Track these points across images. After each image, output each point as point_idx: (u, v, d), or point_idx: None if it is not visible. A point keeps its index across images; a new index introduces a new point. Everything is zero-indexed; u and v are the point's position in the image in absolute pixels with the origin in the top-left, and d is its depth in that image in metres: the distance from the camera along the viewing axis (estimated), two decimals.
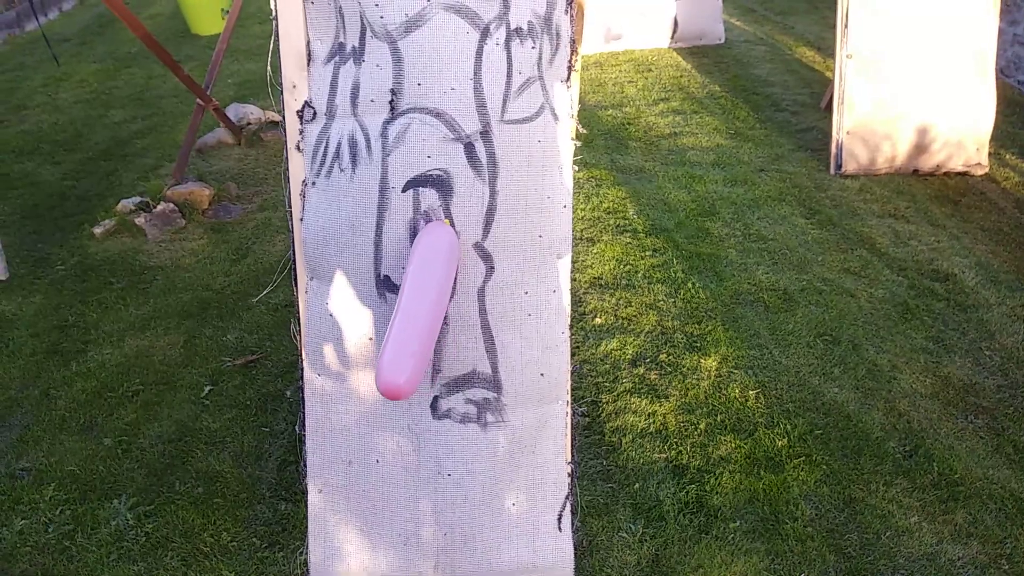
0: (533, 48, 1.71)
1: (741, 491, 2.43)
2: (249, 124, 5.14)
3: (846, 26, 4.45)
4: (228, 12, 7.77)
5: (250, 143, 5.03)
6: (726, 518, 2.34)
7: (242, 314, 3.35)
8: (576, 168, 4.49)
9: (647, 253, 3.70)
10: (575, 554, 2.04)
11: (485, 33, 1.67)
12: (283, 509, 2.39)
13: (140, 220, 4.04)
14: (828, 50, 6.28)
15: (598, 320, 3.22)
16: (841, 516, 2.35)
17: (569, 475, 1.97)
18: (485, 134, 1.70)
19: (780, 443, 2.60)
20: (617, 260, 3.64)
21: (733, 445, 2.60)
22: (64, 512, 2.42)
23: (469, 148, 1.71)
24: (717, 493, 2.42)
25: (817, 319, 3.22)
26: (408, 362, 1.42)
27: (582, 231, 3.90)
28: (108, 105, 6.02)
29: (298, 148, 1.80)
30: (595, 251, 3.71)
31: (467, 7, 1.66)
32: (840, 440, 2.62)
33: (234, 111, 5.20)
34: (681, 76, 6.18)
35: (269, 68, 1.82)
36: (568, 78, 1.79)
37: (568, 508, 1.97)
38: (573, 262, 3.61)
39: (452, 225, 1.73)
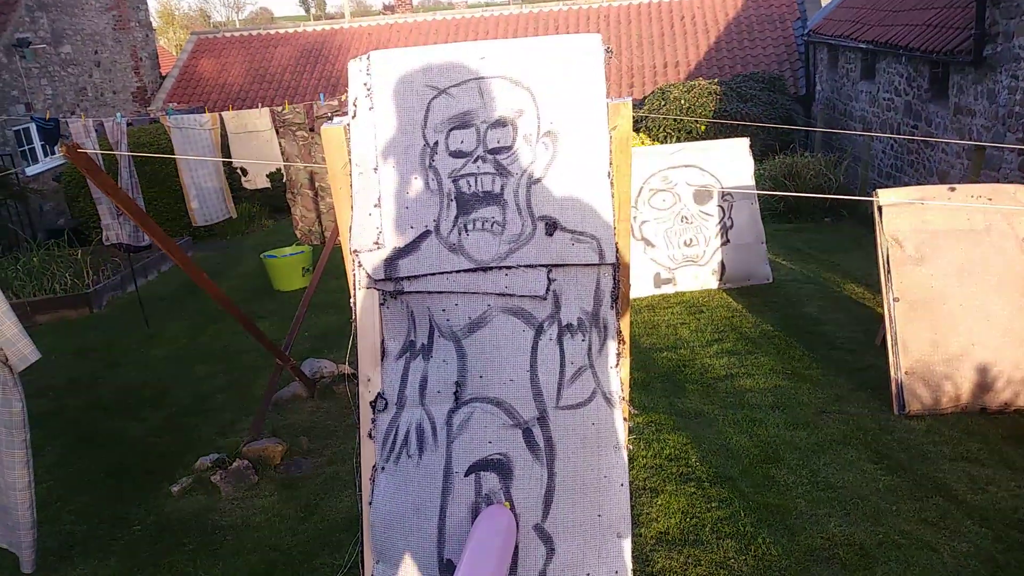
0: (583, 341, 1.88)
1: None
2: (323, 378, 5.44)
3: (888, 272, 4.64)
4: (309, 271, 8.52)
5: (323, 396, 5.30)
6: None
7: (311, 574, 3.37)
8: (636, 412, 4.55)
9: (713, 504, 3.65)
10: None
11: (539, 331, 1.86)
12: None
13: (216, 478, 4.21)
14: (876, 286, 6.44)
15: None
16: None
17: None
18: (542, 420, 1.83)
19: None
20: (683, 513, 3.59)
21: None
22: None
23: (527, 433, 1.83)
24: None
25: None
26: None
27: (645, 480, 3.89)
28: (194, 361, 6.48)
29: (370, 436, 1.95)
30: (659, 503, 3.68)
31: (523, 309, 1.86)
32: None
33: (309, 366, 5.54)
34: (733, 316, 6.38)
35: (347, 364, 2.02)
36: (617, 364, 1.94)
37: None
38: (637, 515, 3.58)
39: (512, 507, 1.81)
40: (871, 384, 4.86)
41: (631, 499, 3.48)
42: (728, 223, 7.31)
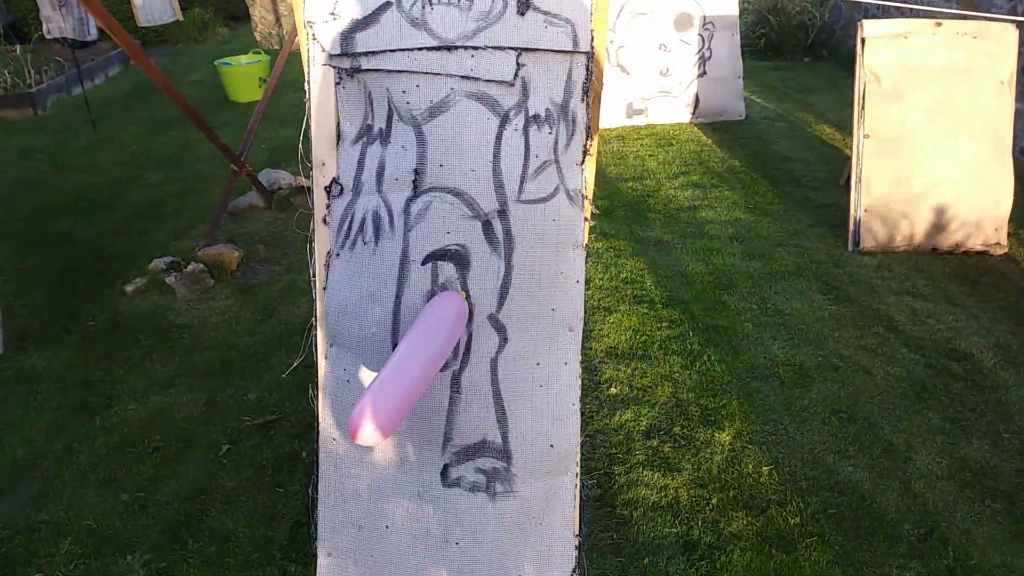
0: (550, 134, 1.80)
1: (752, 570, 2.41)
2: (280, 189, 5.31)
3: (863, 107, 4.56)
4: (266, 81, 8.11)
5: (280, 207, 5.19)
6: None
7: (264, 374, 3.42)
8: (595, 237, 4.56)
9: (663, 324, 3.74)
10: None
11: (505, 119, 1.77)
12: (293, 571, 2.41)
13: (171, 279, 4.17)
14: (847, 127, 6.39)
15: (613, 390, 3.25)
16: None
17: (577, 548, 1.98)
18: (502, 213, 1.79)
19: (793, 521, 2.59)
20: (633, 330, 3.69)
21: (745, 522, 2.59)
22: (79, 566, 2.46)
23: (487, 226, 1.79)
24: (728, 571, 2.41)
25: (833, 396, 3.23)
26: (380, 413, 1.46)
27: (600, 300, 3.96)
28: (145, 167, 6.26)
29: (324, 221, 1.89)
30: (612, 320, 3.76)
31: (488, 95, 1.76)
32: (854, 520, 2.60)
33: (266, 176, 5.39)
34: (702, 151, 6.31)
35: (301, 146, 1.93)
36: (583, 161, 1.87)
37: None
38: (590, 331, 3.66)
39: (468, 297, 1.80)
40: (830, 221, 4.92)
41: (585, 316, 3.53)
42: (707, 54, 7.06)
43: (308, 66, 1.84)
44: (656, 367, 3.41)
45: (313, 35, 1.79)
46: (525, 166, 1.79)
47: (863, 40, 4.55)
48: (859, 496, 2.70)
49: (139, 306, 4.05)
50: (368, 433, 1.47)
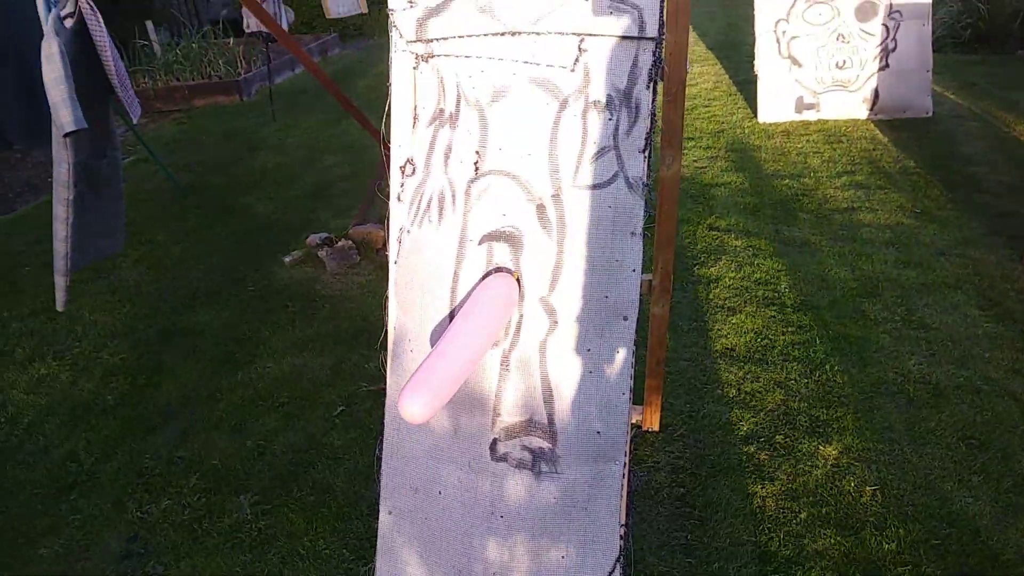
0: (610, 120, 1.80)
1: None
2: None
3: None
4: None
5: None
6: None
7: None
8: (734, 235, 4.42)
9: (789, 329, 3.56)
10: None
11: (563, 105, 1.79)
12: (375, 528, 2.57)
13: (322, 253, 4.54)
14: None
15: (718, 391, 3.16)
16: None
17: (622, 537, 1.97)
18: (556, 197, 1.82)
19: (887, 547, 2.40)
20: (755, 333, 3.54)
21: (833, 541, 2.43)
22: (200, 499, 2.78)
23: (540, 209, 1.83)
24: None
25: (967, 420, 2.93)
26: (426, 394, 1.55)
27: (725, 300, 3.83)
28: (325, 151, 6.81)
29: (399, 198, 2.02)
30: (733, 321, 3.63)
31: (549, 80, 1.79)
32: (959, 555, 2.37)
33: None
34: (874, 149, 5.87)
35: (383, 127, 2.06)
36: (646, 149, 1.85)
37: (618, 570, 1.97)
38: (707, 330, 3.57)
39: (519, 278, 1.85)
40: (1008, 231, 4.42)
41: (706, 315, 3.46)
42: (891, 45, 6.53)
43: (391, 51, 1.96)
44: (770, 372, 3.26)
45: (393, 23, 1.91)
46: (582, 151, 1.81)
47: None
48: (972, 530, 2.45)
49: (293, 276, 4.44)
50: (413, 411, 1.57)
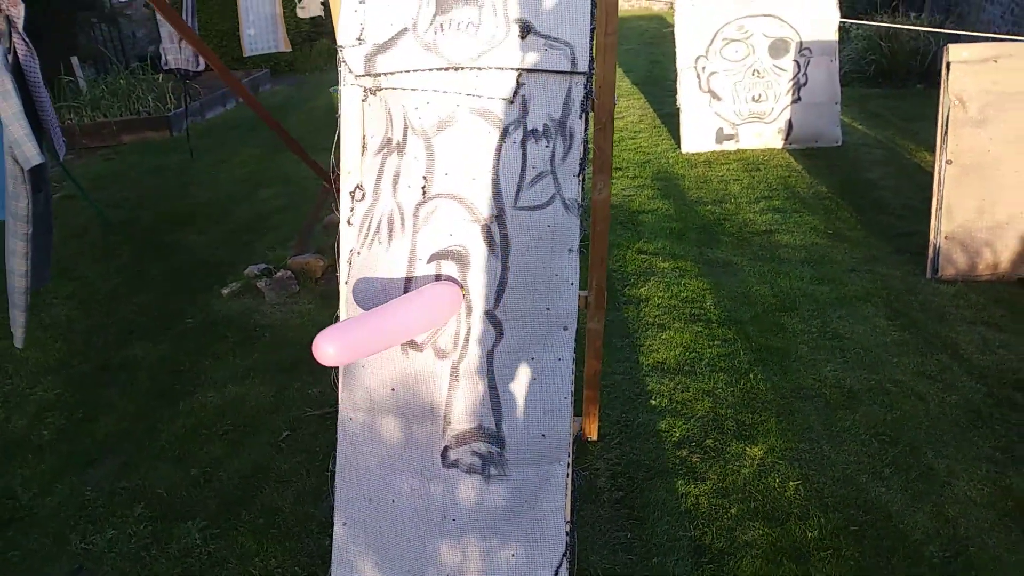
0: (547, 147, 1.97)
1: None
2: None
3: (945, 132, 4.44)
4: None
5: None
6: None
7: (329, 371, 3.70)
8: (661, 258, 4.64)
9: (715, 342, 3.78)
10: None
11: (504, 133, 1.95)
12: (326, 545, 2.64)
13: (261, 284, 4.57)
14: None
15: (652, 402, 3.33)
16: None
17: (567, 534, 2.10)
18: (499, 218, 1.96)
19: (810, 535, 2.59)
20: (684, 347, 3.75)
21: (761, 532, 2.61)
22: (147, 527, 2.79)
23: (485, 229, 1.97)
24: (734, 575, 2.45)
25: (878, 419, 3.18)
26: (343, 339, 1.67)
27: (656, 317, 4.03)
28: (259, 184, 6.82)
29: (348, 222, 2.13)
30: (663, 337, 3.83)
31: (490, 111, 1.95)
32: (875, 539, 2.57)
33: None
34: (789, 176, 6.25)
35: (332, 156, 2.17)
36: (580, 173, 2.02)
37: (565, 566, 2.09)
38: (639, 346, 3.75)
39: (467, 293, 1.98)
40: (912, 249, 4.78)
41: (638, 332, 3.64)
42: (802, 80, 6.98)
43: (340, 85, 2.09)
44: (700, 383, 3.46)
45: (343, 58, 2.04)
46: (522, 176, 1.96)
47: (948, 64, 4.43)
48: (886, 516, 2.66)
49: (232, 307, 4.46)
50: (326, 353, 1.69)
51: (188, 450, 3.20)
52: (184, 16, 6.54)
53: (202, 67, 6.96)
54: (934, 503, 2.73)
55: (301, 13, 7.78)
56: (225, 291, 4.59)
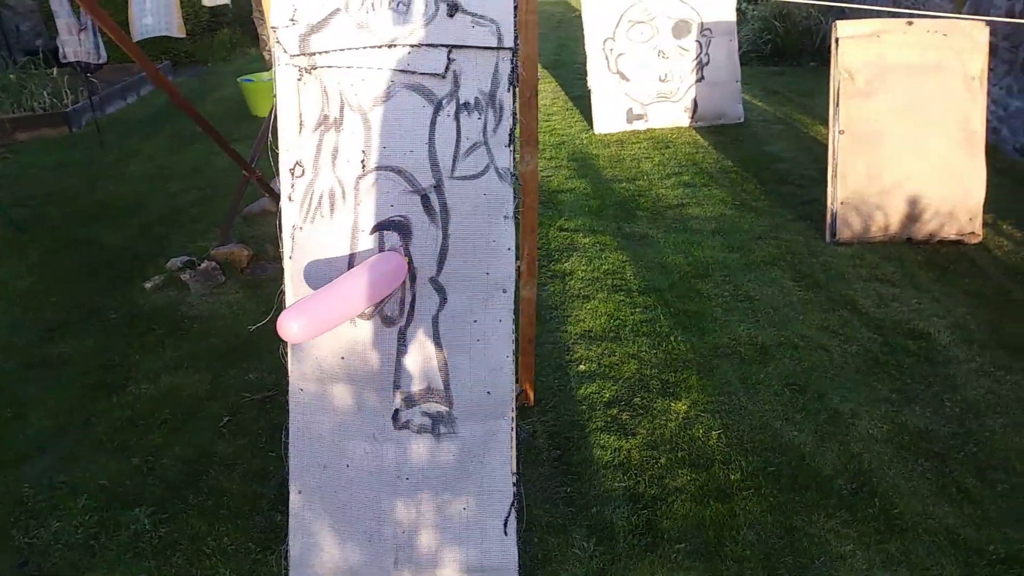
0: (479, 119, 2.08)
1: (690, 517, 2.64)
2: None
3: (837, 104, 4.77)
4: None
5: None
6: (672, 540, 2.55)
7: (265, 357, 3.73)
8: (582, 234, 4.81)
9: (637, 310, 3.99)
10: (526, 563, 2.28)
11: (438, 107, 2.05)
12: (278, 520, 2.70)
13: (185, 276, 4.52)
14: None
15: (582, 367, 3.50)
16: (781, 542, 2.54)
17: (514, 484, 2.24)
18: (438, 188, 2.07)
19: (733, 477, 2.82)
20: (608, 316, 3.94)
21: (689, 478, 2.82)
22: (92, 518, 2.78)
23: (425, 199, 2.07)
24: (667, 518, 2.64)
25: (788, 371, 3.44)
26: (305, 316, 1.77)
27: (580, 289, 4.21)
28: (169, 178, 6.67)
29: (289, 198, 2.19)
30: (588, 307, 4.01)
31: (423, 86, 2.05)
32: (790, 477, 2.82)
33: (278, 183, 5.74)
34: (697, 153, 6.54)
35: (269, 135, 2.23)
36: (510, 143, 2.15)
37: (513, 514, 2.23)
38: (566, 317, 3.92)
39: (410, 262, 2.08)
40: (812, 216, 5.11)
41: (564, 304, 3.79)
42: (705, 59, 7.30)
43: (274, 65, 2.14)
44: (625, 347, 3.65)
45: (277, 39, 2.10)
46: (457, 147, 2.07)
47: (837, 40, 4.76)
48: (799, 456, 2.91)
49: (156, 301, 4.40)
50: (292, 331, 1.78)
51: (127, 441, 3.18)
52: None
53: (103, 59, 6.74)
54: (840, 442, 2.99)
55: (207, 1, 7.59)
56: (148, 285, 4.51)
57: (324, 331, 1.86)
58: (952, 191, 4.68)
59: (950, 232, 4.71)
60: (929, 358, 3.51)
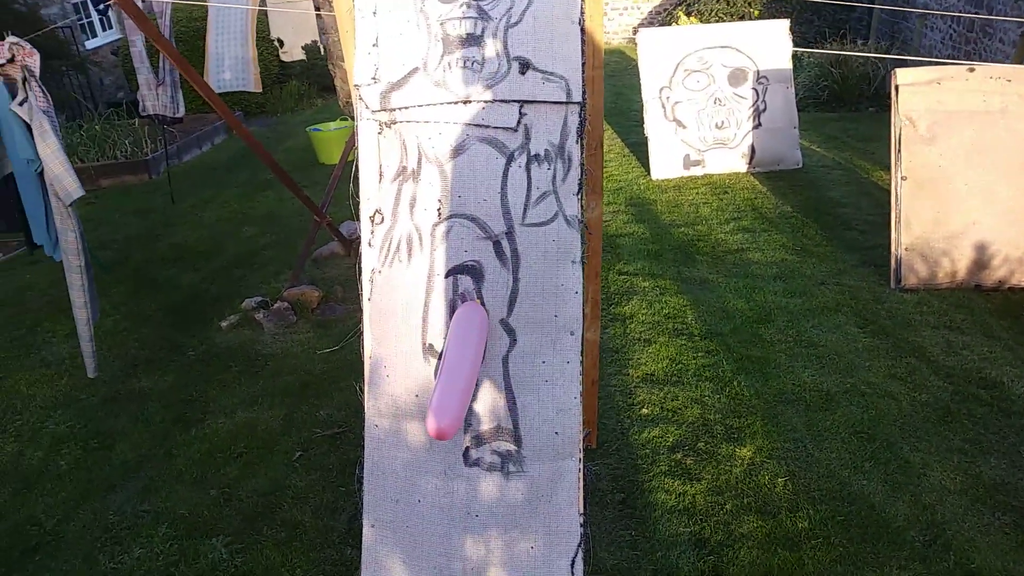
0: (549, 169, 2.19)
1: (757, 565, 2.63)
2: (359, 238, 5.86)
3: (899, 151, 4.77)
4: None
5: (359, 254, 5.73)
6: None
7: (334, 395, 3.86)
8: (642, 277, 4.86)
9: (699, 354, 4.00)
10: None
11: (510, 158, 2.17)
12: (348, 554, 2.78)
13: (259, 316, 4.72)
14: None
15: (644, 411, 3.53)
16: None
17: (581, 525, 2.28)
18: (509, 234, 2.17)
19: (801, 525, 2.80)
20: (670, 359, 3.96)
21: (755, 524, 2.81)
22: (173, 546, 2.90)
23: (497, 245, 2.17)
24: (734, 565, 2.63)
25: (855, 418, 3.41)
26: (450, 409, 1.85)
27: (641, 333, 4.25)
28: (243, 223, 6.97)
29: (369, 244, 2.32)
30: (650, 351, 4.05)
31: (496, 139, 2.16)
32: (860, 527, 2.78)
33: (347, 227, 5.96)
34: (756, 198, 6.56)
35: (351, 185, 2.37)
36: (579, 192, 2.24)
37: (580, 555, 2.26)
38: (628, 360, 3.96)
39: (483, 304, 2.18)
40: (875, 261, 5.07)
41: (625, 347, 3.84)
42: (761, 106, 7.35)
43: (357, 120, 2.29)
44: (687, 391, 3.67)
45: (360, 96, 2.25)
46: (528, 196, 2.17)
47: (897, 87, 4.78)
48: (869, 506, 2.88)
49: (232, 339, 4.59)
50: (443, 429, 1.87)
51: (205, 473, 3.32)
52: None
53: (180, 114, 7.12)
54: (912, 492, 2.95)
55: (284, 57, 8.00)
56: (224, 324, 4.72)
57: (464, 413, 2.00)
58: (1022, 237, 4.60)
59: (1021, 279, 4.62)
60: (1002, 408, 3.43)
